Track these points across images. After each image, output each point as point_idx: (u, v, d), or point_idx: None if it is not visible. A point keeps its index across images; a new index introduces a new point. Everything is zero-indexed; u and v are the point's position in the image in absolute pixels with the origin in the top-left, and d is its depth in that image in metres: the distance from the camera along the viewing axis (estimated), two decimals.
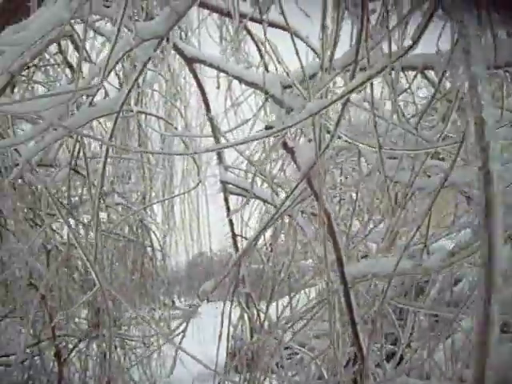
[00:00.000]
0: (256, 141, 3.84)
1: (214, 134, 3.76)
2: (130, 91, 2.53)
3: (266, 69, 4.70)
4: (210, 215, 7.19)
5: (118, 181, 5.90)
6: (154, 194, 6.20)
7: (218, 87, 5.25)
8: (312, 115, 1.52)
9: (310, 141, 2.18)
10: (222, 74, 4.28)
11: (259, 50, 4.99)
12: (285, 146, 2.32)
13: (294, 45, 2.37)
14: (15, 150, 2.93)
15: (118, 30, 2.63)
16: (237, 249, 3.62)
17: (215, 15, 5.55)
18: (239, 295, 3.49)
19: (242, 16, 4.90)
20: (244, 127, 5.04)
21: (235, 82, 5.54)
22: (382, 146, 2.03)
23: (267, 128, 2.36)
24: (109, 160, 5.07)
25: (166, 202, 6.46)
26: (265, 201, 3.22)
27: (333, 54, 1.91)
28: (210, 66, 3.63)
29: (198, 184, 5.82)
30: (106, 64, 2.30)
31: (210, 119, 3.75)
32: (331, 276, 2.58)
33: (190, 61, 3.78)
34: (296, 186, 2.09)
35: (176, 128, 5.95)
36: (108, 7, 2.52)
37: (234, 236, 3.65)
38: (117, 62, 2.43)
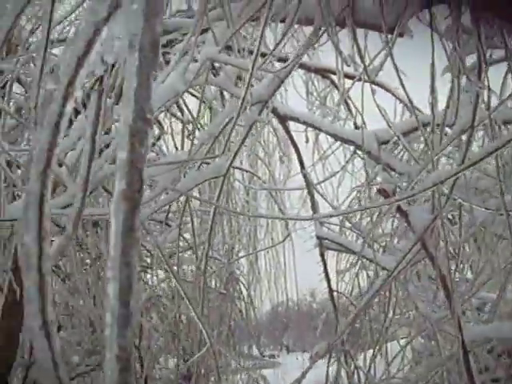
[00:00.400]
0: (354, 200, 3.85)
1: (309, 190, 3.81)
2: (235, 155, 2.62)
3: (355, 123, 4.75)
4: (288, 266, 7.22)
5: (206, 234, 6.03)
6: (241, 246, 6.29)
7: (307, 141, 5.34)
8: (437, 185, 1.53)
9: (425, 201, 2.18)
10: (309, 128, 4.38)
11: (347, 104, 5.06)
12: (398, 209, 2.33)
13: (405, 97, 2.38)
14: None
15: (221, 94, 2.75)
16: (334, 304, 3.60)
17: (300, 70, 5.67)
18: (337, 352, 3.46)
19: (329, 71, 5.01)
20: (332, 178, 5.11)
21: (322, 135, 5.63)
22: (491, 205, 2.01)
23: (380, 192, 2.38)
24: (198, 213, 5.21)
25: (251, 252, 6.53)
26: (368, 259, 3.20)
27: (445, 116, 1.92)
28: (304, 123, 3.71)
29: (286, 237, 5.88)
30: (218, 134, 2.40)
31: (305, 175, 3.80)
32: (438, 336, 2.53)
33: (284, 119, 3.87)
34: (411, 249, 2.08)
35: (264, 182, 6.04)
36: (216, 76, 2.65)
37: (331, 291, 3.64)
38: (220, 132, 2.53)
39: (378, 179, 3.73)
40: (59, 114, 0.56)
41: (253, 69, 1.73)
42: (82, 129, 2.41)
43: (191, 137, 2.67)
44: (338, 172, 4.95)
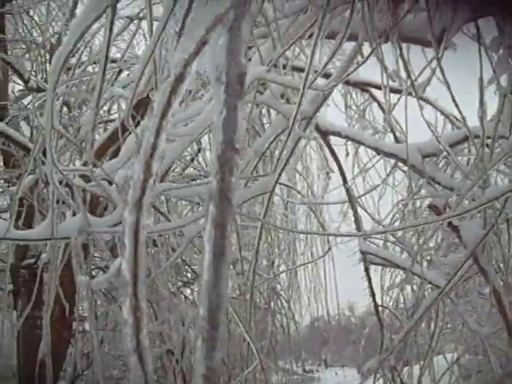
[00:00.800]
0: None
1: (352, 204, 3.80)
2: (282, 171, 2.64)
3: (395, 136, 4.74)
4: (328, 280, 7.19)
5: (245, 248, 6.05)
6: (281, 260, 6.29)
7: (348, 155, 5.34)
8: (492, 201, 1.52)
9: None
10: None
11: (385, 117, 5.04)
12: (449, 224, 2.31)
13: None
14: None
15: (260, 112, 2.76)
16: (379, 319, 3.57)
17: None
18: (385, 367, 3.43)
19: (368, 84, 5.00)
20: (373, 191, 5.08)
21: (361, 148, 5.62)
22: None
23: (431, 207, 2.37)
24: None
25: (291, 266, 6.53)
26: (416, 274, 3.18)
27: (496, 131, 1.91)
28: (346, 137, 3.71)
29: (327, 252, 5.87)
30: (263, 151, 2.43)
31: (347, 189, 3.79)
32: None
33: (325, 133, 3.88)
34: (463, 264, 2.07)
35: (303, 196, 6.04)
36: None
37: (376, 306, 3.61)
38: (267, 149, 2.56)
39: (422, 192, 3.71)
40: (153, 146, 0.58)
41: (304, 88, 1.75)
42: (131, 148, 2.46)
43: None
44: (379, 185, 4.93)
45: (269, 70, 2.15)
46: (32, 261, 6.30)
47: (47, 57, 6.34)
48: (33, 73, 5.74)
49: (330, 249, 5.61)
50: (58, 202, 2.53)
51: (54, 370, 5.67)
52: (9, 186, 6.30)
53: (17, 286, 6.28)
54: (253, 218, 3.42)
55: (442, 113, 4.16)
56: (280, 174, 2.63)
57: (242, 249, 6.08)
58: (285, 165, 2.63)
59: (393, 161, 4.43)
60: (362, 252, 3.73)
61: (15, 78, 6.97)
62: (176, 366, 5.31)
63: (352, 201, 3.77)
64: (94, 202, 4.86)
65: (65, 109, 6.22)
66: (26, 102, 7.08)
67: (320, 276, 7.40)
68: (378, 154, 3.67)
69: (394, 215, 4.27)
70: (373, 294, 3.64)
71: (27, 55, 6.75)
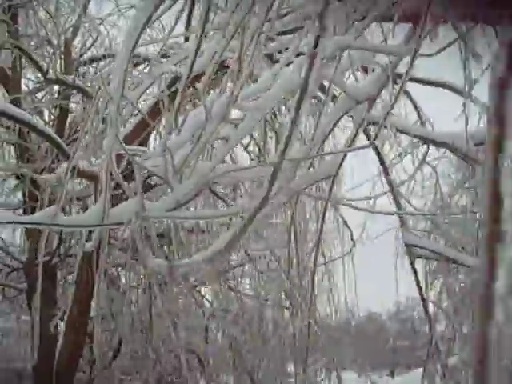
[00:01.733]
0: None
1: (394, 198, 3.68)
2: (345, 156, 2.52)
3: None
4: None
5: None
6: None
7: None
8: None
9: None
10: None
11: (416, 110, 4.94)
12: None
13: None
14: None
15: (329, 93, 2.65)
16: (427, 313, 3.45)
17: None
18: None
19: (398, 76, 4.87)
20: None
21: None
22: None
23: None
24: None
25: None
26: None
27: None
28: (394, 128, 3.59)
29: (352, 247, 5.72)
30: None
31: (389, 181, 3.68)
32: None
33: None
34: None
35: None
36: None
37: (423, 300, 3.49)
38: (334, 126, 2.43)
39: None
40: None
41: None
42: (190, 130, 2.32)
43: None
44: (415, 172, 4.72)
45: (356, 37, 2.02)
46: (46, 258, 6.13)
47: (62, 49, 6.21)
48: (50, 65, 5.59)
49: (354, 245, 5.44)
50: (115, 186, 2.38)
51: (71, 369, 5.52)
52: (22, 182, 6.14)
53: (31, 284, 6.10)
54: (317, 198, 3.29)
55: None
56: (344, 157, 2.50)
57: None
58: (350, 146, 2.50)
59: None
60: (407, 244, 3.61)
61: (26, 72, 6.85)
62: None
63: (395, 196, 3.64)
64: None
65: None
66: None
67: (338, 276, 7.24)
68: (426, 143, 3.55)
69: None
70: (419, 288, 3.52)
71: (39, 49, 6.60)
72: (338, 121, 2.42)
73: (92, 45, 6.62)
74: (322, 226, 2.46)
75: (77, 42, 6.96)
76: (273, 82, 2.24)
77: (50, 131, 4.46)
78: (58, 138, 4.29)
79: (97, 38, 6.69)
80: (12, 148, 6.91)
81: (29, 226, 4.55)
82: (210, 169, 2.26)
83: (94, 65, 6.74)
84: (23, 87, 6.58)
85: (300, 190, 2.33)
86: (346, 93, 2.41)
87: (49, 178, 4.28)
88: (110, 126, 2.12)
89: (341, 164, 2.48)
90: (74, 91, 6.23)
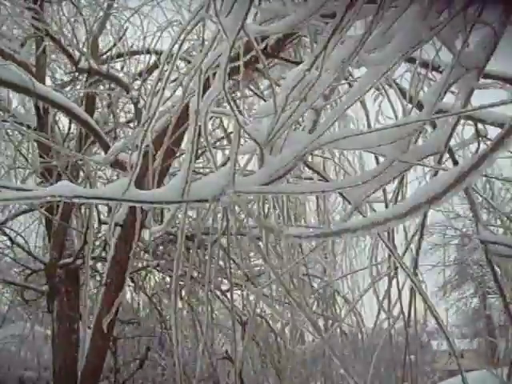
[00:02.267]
0: None
1: (467, 192, 3.42)
2: (452, 131, 2.26)
3: None
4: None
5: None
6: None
7: None
8: None
9: None
10: None
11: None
12: None
13: None
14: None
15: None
16: (510, 316, 3.17)
17: None
18: None
19: None
20: None
21: None
22: None
23: None
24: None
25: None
26: None
27: None
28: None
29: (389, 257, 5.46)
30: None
31: None
32: None
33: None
34: None
35: None
36: None
37: (505, 301, 3.20)
38: (443, 94, 2.18)
39: None
40: None
41: None
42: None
43: None
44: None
45: None
46: (69, 260, 5.85)
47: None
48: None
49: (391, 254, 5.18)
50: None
51: (96, 371, 5.19)
52: (48, 180, 5.88)
53: (52, 287, 5.80)
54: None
55: None
56: (452, 133, 2.24)
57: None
58: (457, 122, 2.24)
59: None
60: (483, 241, 3.33)
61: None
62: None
63: (468, 191, 3.37)
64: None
65: None
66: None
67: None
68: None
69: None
70: (500, 290, 3.23)
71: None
72: (448, 89, 2.17)
73: (120, 38, 6.39)
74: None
75: (101, 38, 6.77)
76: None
77: (93, 122, 4.26)
78: (101, 132, 4.11)
79: (125, 32, 6.47)
80: (31, 145, 6.71)
81: (97, 202, 4.21)
82: (315, 137, 1.98)
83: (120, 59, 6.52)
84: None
85: (412, 163, 2.07)
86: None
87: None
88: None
89: (449, 139, 2.22)
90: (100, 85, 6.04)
